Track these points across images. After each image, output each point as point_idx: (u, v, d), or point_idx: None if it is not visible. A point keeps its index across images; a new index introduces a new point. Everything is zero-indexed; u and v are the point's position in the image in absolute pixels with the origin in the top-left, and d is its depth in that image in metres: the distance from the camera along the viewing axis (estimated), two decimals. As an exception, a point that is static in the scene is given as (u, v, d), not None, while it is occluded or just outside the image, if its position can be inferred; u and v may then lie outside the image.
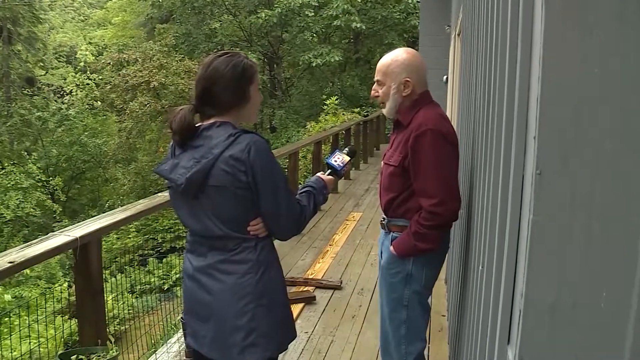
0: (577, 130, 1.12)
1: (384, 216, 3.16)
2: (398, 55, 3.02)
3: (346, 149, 3.03)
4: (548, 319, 1.18)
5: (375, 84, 3.07)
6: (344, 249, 7.40)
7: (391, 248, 3.02)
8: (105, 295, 4.30)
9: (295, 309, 5.13)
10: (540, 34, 1.14)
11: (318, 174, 2.81)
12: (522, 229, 1.32)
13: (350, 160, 2.97)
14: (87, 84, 26.57)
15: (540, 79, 1.14)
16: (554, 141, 1.14)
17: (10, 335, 6.41)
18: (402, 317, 3.08)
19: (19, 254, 3.39)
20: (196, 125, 2.41)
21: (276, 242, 2.57)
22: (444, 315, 4.89)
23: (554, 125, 1.14)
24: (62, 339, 7.85)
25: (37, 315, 6.52)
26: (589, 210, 1.14)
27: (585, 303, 1.16)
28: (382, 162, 3.18)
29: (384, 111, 3.10)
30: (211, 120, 2.40)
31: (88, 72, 26.89)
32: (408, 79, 2.96)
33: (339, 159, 2.93)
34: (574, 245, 1.16)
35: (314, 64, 22.30)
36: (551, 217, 1.16)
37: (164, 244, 17.97)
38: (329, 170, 2.89)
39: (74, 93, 26.72)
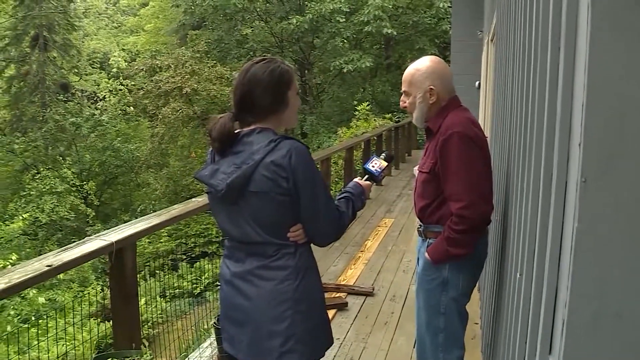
0: (624, 137, 1.10)
1: (420, 223, 3.15)
2: (421, 64, 3.04)
3: (383, 154, 3.03)
4: (592, 329, 1.16)
5: (403, 94, 3.11)
6: (375, 255, 7.38)
7: (426, 254, 3.02)
8: (139, 299, 4.34)
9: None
10: (586, 38, 1.12)
11: (356, 180, 2.81)
12: (565, 237, 1.30)
13: (387, 165, 2.97)
14: (120, 89, 26.85)
15: (586, 86, 1.12)
16: (599, 148, 1.12)
17: (47, 338, 6.50)
18: (439, 324, 3.06)
19: (56, 257, 3.45)
20: (236, 131, 2.42)
21: (307, 248, 2.57)
22: (477, 323, 4.84)
23: (599, 132, 1.12)
24: (96, 342, 7.92)
25: (73, 318, 6.60)
26: (635, 218, 1.13)
27: (630, 313, 1.14)
28: (416, 170, 3.18)
29: (413, 120, 3.12)
30: (251, 127, 2.41)
31: (121, 78, 27.19)
32: (432, 87, 2.97)
33: (377, 164, 2.92)
34: (620, 253, 1.14)
35: (345, 70, 22.31)
36: (596, 226, 1.15)
37: (195, 249, 18.07)
38: (367, 176, 2.89)
39: (107, 99, 27.04)
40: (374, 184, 3.01)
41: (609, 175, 1.12)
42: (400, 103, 3.16)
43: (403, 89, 3.09)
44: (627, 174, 1.11)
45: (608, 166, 1.12)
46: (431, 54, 3.26)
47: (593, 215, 1.14)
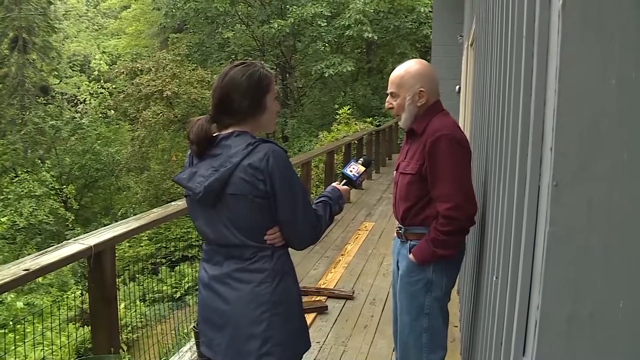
0: (595, 142, 1.12)
1: (400, 225, 3.17)
2: (411, 66, 3.06)
3: (361, 159, 3.04)
4: (565, 330, 1.17)
5: (389, 96, 3.12)
6: (356, 259, 7.39)
7: (410, 256, 3.03)
8: (118, 303, 4.32)
9: (307, 318, 5.10)
10: (557, 43, 1.14)
11: (334, 184, 2.82)
12: (538, 240, 1.32)
13: (365, 170, 2.99)
14: (101, 92, 26.75)
15: (557, 91, 1.14)
16: (570, 152, 1.14)
17: (25, 343, 6.44)
18: (423, 325, 3.08)
19: (34, 261, 3.42)
20: (214, 134, 2.42)
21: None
22: (457, 326, 4.86)
23: (570, 137, 1.14)
24: (75, 347, 7.86)
25: (51, 323, 6.54)
26: (606, 221, 1.14)
27: (602, 314, 1.16)
28: (397, 172, 3.19)
29: (400, 122, 3.14)
30: (229, 130, 2.41)
31: (102, 81, 27.09)
32: (422, 89, 3.00)
33: (355, 169, 2.94)
34: (591, 256, 1.15)
35: (326, 74, 22.35)
36: (568, 229, 1.16)
37: (175, 253, 18.01)
38: (345, 181, 2.91)
39: (88, 102, 26.92)
40: (352, 188, 3.02)
41: (581, 179, 1.13)
42: (386, 104, 3.17)
43: (390, 90, 3.09)
44: (598, 178, 1.13)
45: (579, 170, 1.13)
46: (412, 58, 3.28)
47: (564, 218, 1.15)
